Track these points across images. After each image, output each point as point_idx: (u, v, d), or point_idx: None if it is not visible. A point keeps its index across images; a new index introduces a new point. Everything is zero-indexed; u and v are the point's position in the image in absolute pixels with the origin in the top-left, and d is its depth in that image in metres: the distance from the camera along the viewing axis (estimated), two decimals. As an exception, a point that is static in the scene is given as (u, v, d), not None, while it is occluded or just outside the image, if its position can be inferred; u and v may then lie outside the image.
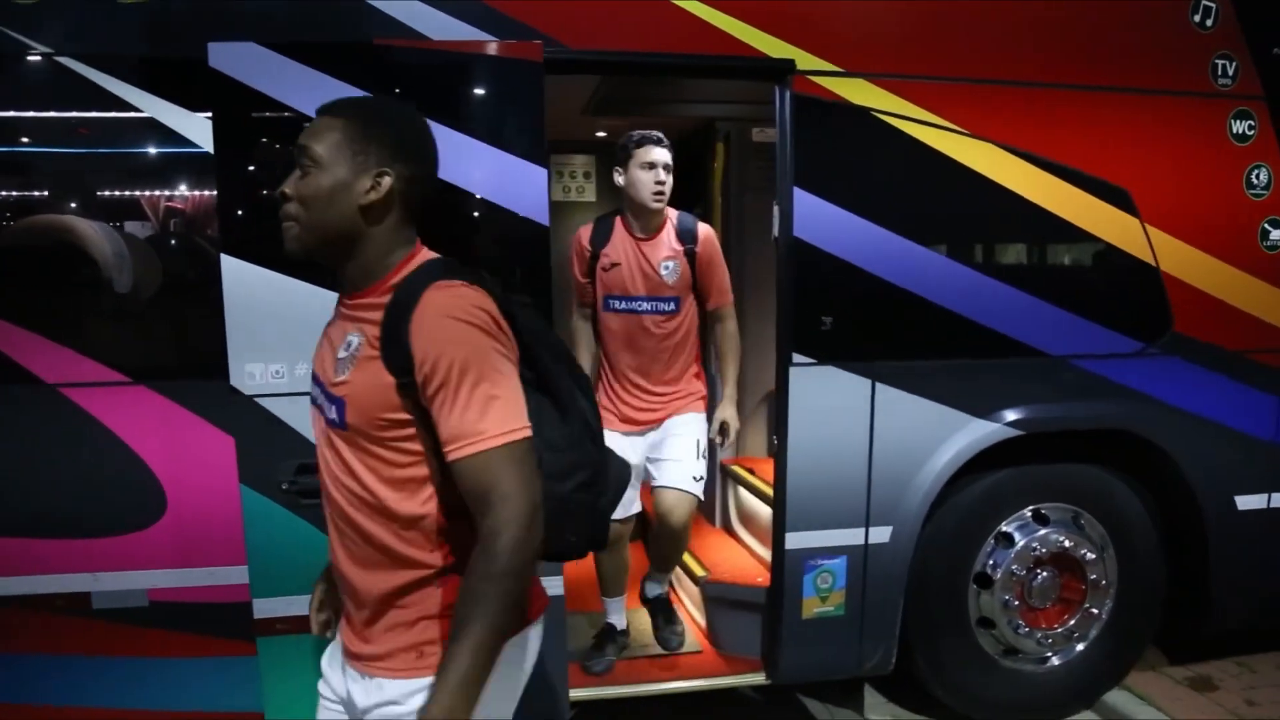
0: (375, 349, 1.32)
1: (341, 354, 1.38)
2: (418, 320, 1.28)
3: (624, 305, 2.96)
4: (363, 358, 1.34)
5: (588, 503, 1.44)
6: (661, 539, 3.07)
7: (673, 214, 3.01)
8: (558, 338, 1.54)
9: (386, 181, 1.35)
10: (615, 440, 2.85)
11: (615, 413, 3.01)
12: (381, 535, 1.39)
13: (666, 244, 2.96)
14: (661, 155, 2.90)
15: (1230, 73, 2.95)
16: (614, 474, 1.52)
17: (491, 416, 1.27)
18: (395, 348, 1.29)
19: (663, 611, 3.23)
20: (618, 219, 3.01)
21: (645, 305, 2.94)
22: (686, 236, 2.96)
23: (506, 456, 1.27)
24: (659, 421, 3.03)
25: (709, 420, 3.10)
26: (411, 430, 1.34)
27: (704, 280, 3.00)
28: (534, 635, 1.53)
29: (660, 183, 2.88)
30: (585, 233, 3.04)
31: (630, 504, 3.02)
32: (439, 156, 1.46)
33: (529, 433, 1.31)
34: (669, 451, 2.99)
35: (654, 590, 3.24)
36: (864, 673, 2.97)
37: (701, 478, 3.02)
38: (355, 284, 1.41)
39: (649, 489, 3.08)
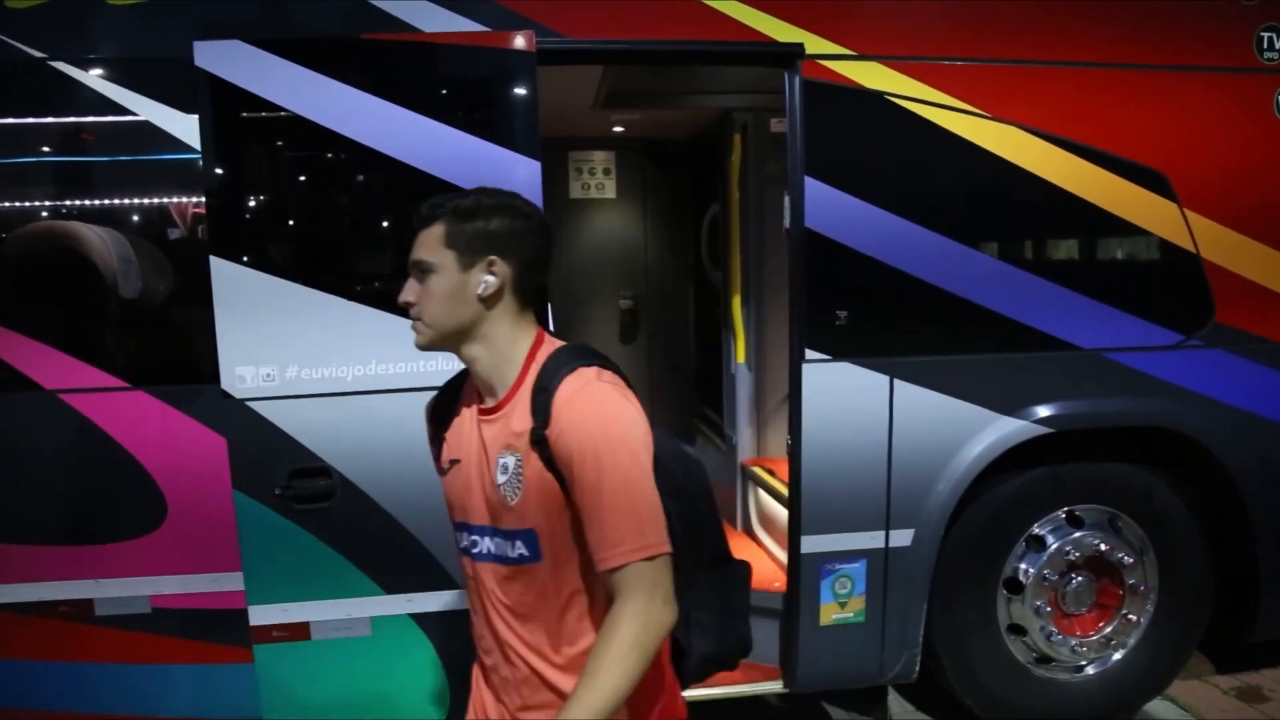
0: None
1: None
2: None
3: (465, 540, 1.47)
4: None
5: None
6: None
7: (544, 353, 1.40)
8: None
9: None
10: None
11: None
12: None
13: (512, 422, 1.38)
14: (416, 249, 1.38)
15: (1278, 46, 2.79)
16: None
17: None
18: None
19: None
20: None
21: (487, 544, 1.42)
22: (537, 407, 1.33)
23: None
24: None
25: None
26: None
27: (575, 505, 1.32)
28: None
29: (408, 304, 1.39)
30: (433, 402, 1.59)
31: None
32: None
33: None
34: None
35: None
36: (886, 681, 2.86)
37: None
38: None
39: None
